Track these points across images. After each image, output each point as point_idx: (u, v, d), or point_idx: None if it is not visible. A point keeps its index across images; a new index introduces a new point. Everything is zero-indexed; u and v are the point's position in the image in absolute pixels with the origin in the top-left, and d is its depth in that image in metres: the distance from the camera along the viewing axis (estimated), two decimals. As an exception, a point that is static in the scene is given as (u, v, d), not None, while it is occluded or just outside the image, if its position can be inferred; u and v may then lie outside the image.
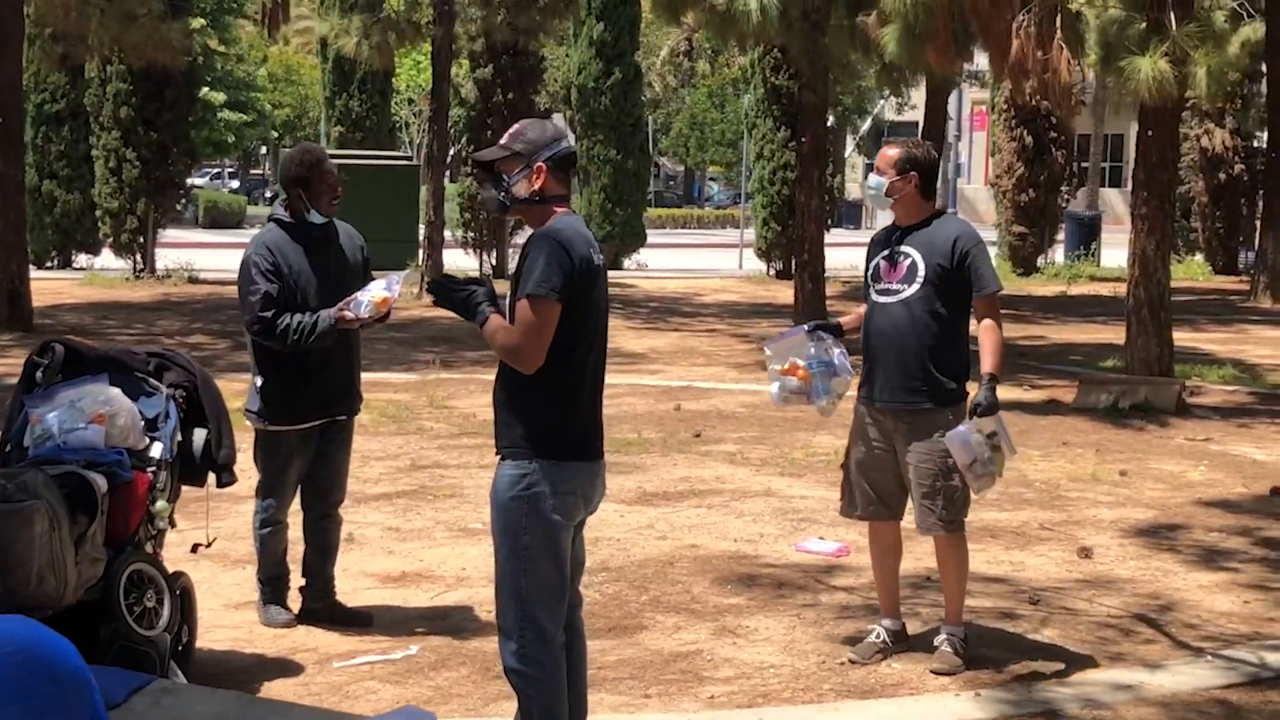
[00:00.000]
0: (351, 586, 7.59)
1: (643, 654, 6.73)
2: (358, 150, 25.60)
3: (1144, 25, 14.15)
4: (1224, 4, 23.16)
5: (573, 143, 5.16)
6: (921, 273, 6.44)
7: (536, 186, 4.98)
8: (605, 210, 28.43)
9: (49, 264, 26.22)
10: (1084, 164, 38.74)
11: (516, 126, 5.15)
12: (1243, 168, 34.40)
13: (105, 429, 5.87)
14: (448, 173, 25.21)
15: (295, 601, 7.22)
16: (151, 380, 6.18)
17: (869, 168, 61.66)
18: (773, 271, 28.42)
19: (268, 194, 64.03)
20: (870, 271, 6.69)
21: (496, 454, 5.06)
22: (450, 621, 7.21)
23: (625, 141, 28.41)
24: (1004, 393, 14.99)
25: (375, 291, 6.87)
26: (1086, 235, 34.04)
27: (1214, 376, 16.43)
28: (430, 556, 8.35)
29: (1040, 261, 32.40)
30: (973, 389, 6.51)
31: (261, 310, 6.71)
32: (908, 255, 6.51)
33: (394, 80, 31.96)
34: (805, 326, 6.77)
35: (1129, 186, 51.55)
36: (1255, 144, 34.88)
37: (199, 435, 6.26)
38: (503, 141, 5.08)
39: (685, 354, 17.78)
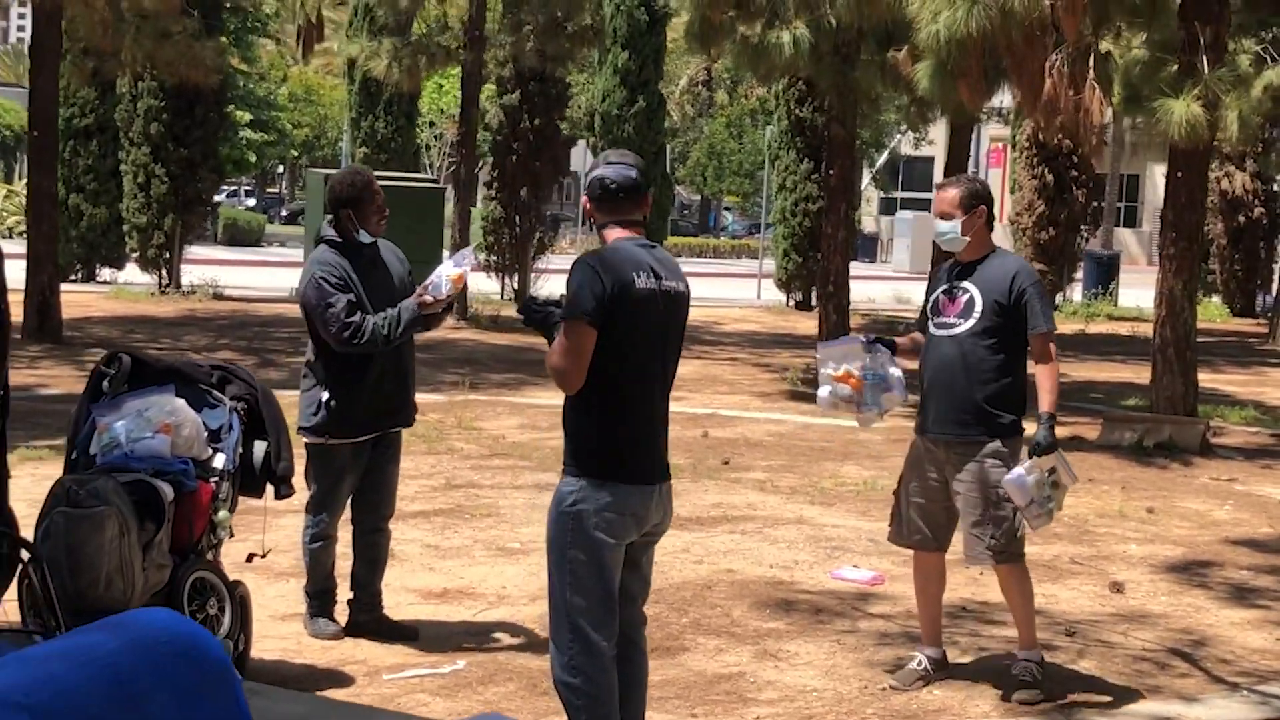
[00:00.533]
0: (394, 601, 7.67)
1: (686, 675, 6.82)
2: (382, 171, 25.71)
3: (1175, 67, 14.26)
4: (1248, 48, 23.30)
5: (608, 172, 5.15)
6: (978, 308, 6.56)
7: (588, 213, 5.30)
8: (625, 237, 28.52)
9: (73, 277, 26.37)
10: (1100, 204, 38.81)
11: None
12: (1262, 211, 34.51)
13: (171, 439, 5.99)
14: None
15: (341, 614, 7.32)
16: (215, 392, 6.30)
17: (885, 201, 61.64)
18: (792, 302, 28.53)
19: (283, 212, 64.30)
20: (930, 305, 6.80)
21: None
22: (494, 638, 7.31)
23: (647, 169, 28.46)
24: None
25: (450, 270, 6.98)
26: (1105, 274, 34.18)
27: (1236, 418, 16.52)
28: (470, 574, 8.45)
29: (1059, 299, 32.49)
30: (1029, 426, 6.62)
31: (348, 317, 6.82)
32: (966, 291, 6.62)
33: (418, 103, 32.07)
34: (863, 337, 6.87)
35: (1143, 226, 51.37)
36: (1275, 187, 35.01)
37: (259, 447, 6.37)
38: None
39: (709, 381, 17.89)
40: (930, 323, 6.77)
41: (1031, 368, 6.67)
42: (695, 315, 28.23)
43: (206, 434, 6.16)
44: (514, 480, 11.07)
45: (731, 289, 34.50)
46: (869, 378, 6.65)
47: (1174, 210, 14.54)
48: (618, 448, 5.10)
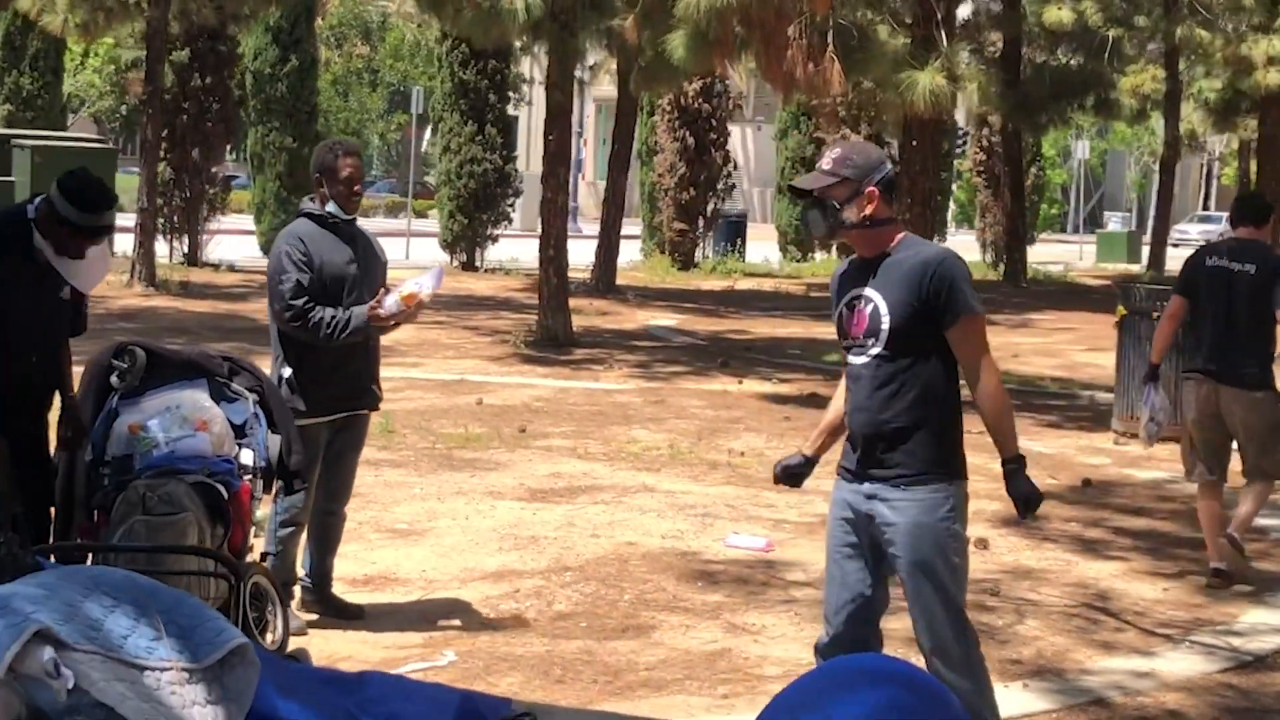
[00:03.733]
0: (322, 590, 7.44)
1: (677, 655, 6.83)
2: (32, 130, 24.27)
3: (910, 40, 14.91)
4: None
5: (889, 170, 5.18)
6: None
7: (868, 211, 4.98)
8: (280, 198, 27.79)
9: None
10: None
11: (839, 151, 5.12)
12: (882, 174, 36.18)
13: (209, 436, 5.67)
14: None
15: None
16: (234, 385, 5.98)
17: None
18: (457, 263, 28.40)
19: None
20: None
21: (894, 478, 5.01)
22: (457, 624, 7.18)
23: (301, 129, 27.84)
24: (755, 385, 15.88)
25: (404, 288, 6.87)
26: (733, 233, 35.29)
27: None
28: (380, 558, 8.24)
29: (698, 257, 33.40)
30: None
31: (293, 298, 6.72)
32: None
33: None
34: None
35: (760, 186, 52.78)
36: (884, 150, 36.80)
37: (274, 441, 6.07)
38: (827, 168, 5.05)
39: (430, 346, 17.72)
40: None
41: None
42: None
43: (232, 429, 5.85)
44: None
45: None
46: None
47: (909, 177, 15.24)
48: (963, 445, 5.10)
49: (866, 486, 5.05)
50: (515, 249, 32.64)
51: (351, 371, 6.94)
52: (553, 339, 17.76)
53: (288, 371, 6.79)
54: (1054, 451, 12.61)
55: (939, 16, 14.57)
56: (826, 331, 21.68)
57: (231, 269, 24.91)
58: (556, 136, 17.61)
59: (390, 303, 6.83)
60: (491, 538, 8.74)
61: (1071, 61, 36.37)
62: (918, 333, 4.95)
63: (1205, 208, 77.63)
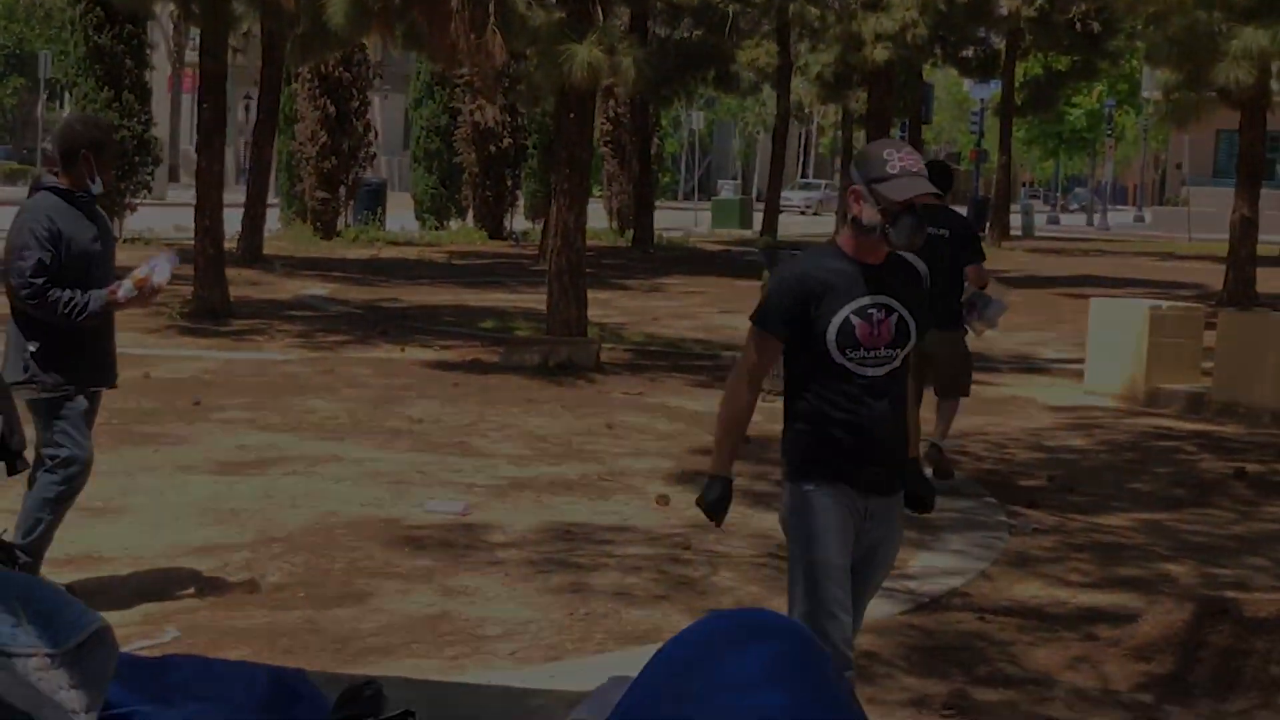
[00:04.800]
0: (26, 572, 7.35)
1: (399, 619, 6.99)
2: None
3: (565, 15, 15.25)
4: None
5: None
6: None
7: None
8: (-102, 167, 26.57)
9: None
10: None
11: (913, 150, 5.07)
12: (510, 141, 36.69)
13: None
14: None
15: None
16: (-50, 369, 5.89)
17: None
18: (92, 234, 27.55)
19: None
20: None
21: (894, 489, 5.04)
22: (176, 600, 7.20)
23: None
24: (419, 353, 16.05)
25: (137, 272, 6.94)
26: (373, 201, 35.26)
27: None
28: (80, 538, 8.09)
29: (340, 225, 33.26)
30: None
31: (33, 276, 6.69)
32: None
33: None
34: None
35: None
36: (520, 120, 37.20)
37: (-5, 423, 6.00)
38: (921, 171, 4.93)
39: (82, 321, 17.28)
40: None
41: None
42: None
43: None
44: None
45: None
46: None
47: (566, 149, 15.59)
48: None
49: (871, 499, 4.92)
50: (148, 219, 31.86)
51: (102, 347, 7.03)
52: (210, 310, 17.54)
53: (34, 346, 6.78)
54: (705, 410, 13.15)
55: (594, -9, 14.95)
56: (477, 299, 22.17)
57: None
58: (210, 105, 17.35)
59: (126, 288, 6.87)
60: (191, 512, 8.75)
61: (694, 36, 37.66)
62: None
63: (804, 175, 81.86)
